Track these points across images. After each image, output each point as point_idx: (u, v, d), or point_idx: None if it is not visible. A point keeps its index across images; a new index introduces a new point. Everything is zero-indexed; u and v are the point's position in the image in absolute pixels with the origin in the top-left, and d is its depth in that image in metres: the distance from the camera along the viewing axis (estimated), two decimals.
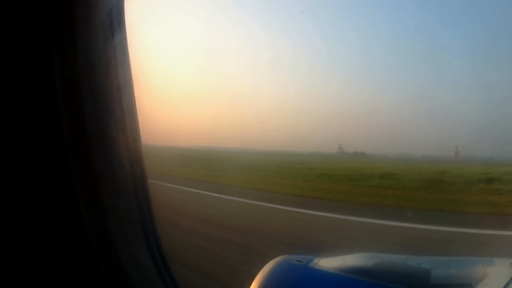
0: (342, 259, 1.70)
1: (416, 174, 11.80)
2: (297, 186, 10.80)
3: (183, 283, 1.41)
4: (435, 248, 5.36)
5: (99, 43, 1.08)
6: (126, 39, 1.13)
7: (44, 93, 0.97)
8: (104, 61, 1.08)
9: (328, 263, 1.69)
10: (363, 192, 9.83)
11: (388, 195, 9.42)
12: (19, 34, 0.94)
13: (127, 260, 1.14)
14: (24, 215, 0.98)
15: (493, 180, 9.65)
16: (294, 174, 13.15)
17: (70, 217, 1.01)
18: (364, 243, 5.14)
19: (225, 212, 7.87)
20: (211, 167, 13.69)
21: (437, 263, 1.63)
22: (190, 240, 5.59)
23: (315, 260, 1.72)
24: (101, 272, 1.07)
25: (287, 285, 1.70)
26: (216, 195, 9.23)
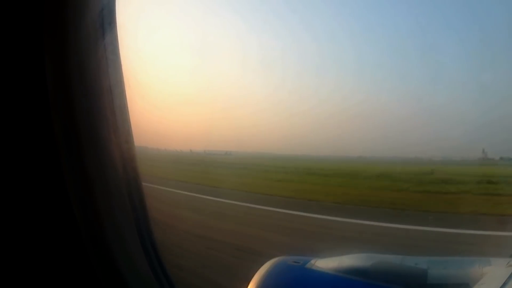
0: (339, 259, 1.69)
1: None
2: None
3: (179, 285, 1.40)
4: None
5: (90, 43, 1.07)
6: (117, 39, 1.13)
7: (36, 94, 0.96)
8: (95, 62, 1.07)
9: (325, 263, 1.68)
10: None
11: None
12: (10, 33, 0.93)
13: (122, 261, 1.13)
14: (18, 217, 0.98)
15: None
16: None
17: (64, 219, 1.01)
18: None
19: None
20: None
21: (434, 263, 1.62)
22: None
23: (312, 261, 1.71)
24: (96, 274, 1.06)
25: (284, 286, 1.69)
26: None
